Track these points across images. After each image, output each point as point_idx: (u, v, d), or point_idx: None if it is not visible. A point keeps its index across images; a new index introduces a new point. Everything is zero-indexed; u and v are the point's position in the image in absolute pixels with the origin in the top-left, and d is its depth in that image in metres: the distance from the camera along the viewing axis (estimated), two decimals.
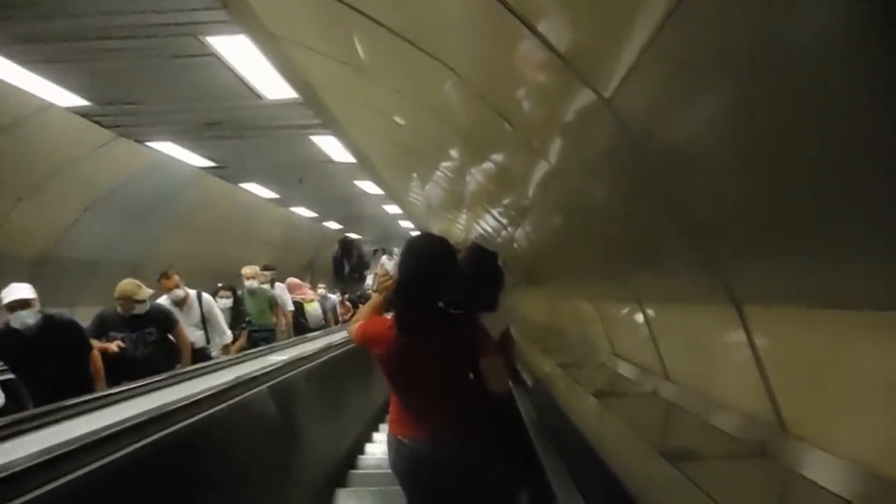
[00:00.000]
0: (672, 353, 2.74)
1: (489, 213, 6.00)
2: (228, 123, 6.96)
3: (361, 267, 20.17)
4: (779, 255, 1.53)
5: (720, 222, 1.74)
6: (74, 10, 4.10)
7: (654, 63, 1.43)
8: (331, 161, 8.83)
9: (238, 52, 4.74)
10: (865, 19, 0.91)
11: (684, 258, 2.11)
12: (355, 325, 2.56)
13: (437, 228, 11.86)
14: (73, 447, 1.97)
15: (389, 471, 2.56)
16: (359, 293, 14.08)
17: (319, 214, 15.87)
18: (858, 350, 1.43)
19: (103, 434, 2.12)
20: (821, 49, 1.02)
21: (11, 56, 4.72)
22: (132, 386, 3.36)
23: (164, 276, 5.56)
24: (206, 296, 5.83)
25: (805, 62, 1.07)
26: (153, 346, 4.66)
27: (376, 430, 5.96)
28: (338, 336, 6.52)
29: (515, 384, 3.10)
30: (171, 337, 4.89)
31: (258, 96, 5.83)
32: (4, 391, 4.30)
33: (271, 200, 12.51)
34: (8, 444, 2.20)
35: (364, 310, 2.68)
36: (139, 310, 4.62)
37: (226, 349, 5.87)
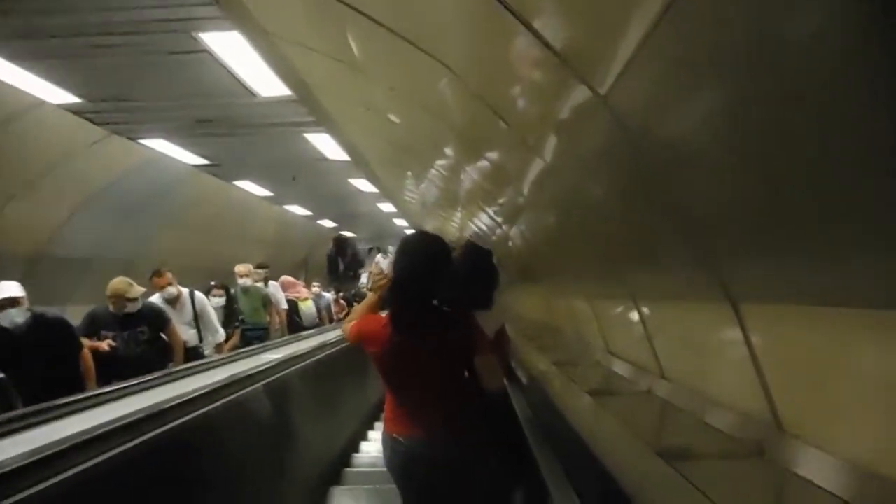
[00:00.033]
0: (668, 352, 2.73)
1: (484, 211, 5.99)
2: (222, 121, 6.93)
3: (356, 265, 20.11)
4: (775, 253, 1.53)
5: (716, 220, 1.73)
6: (66, 7, 4.06)
7: (651, 59, 1.42)
8: (325, 159, 8.81)
9: (231, 48, 4.71)
10: (865, 19, 0.90)
11: (680, 256, 2.10)
12: (350, 324, 2.55)
13: (431, 226, 11.86)
14: (64, 447, 1.95)
15: (384, 469, 2.55)
16: (353, 292, 14.04)
17: (314, 212, 15.83)
18: (856, 349, 1.43)
19: (95, 433, 2.10)
20: (817, 46, 1.02)
21: (3, 53, 4.67)
22: (124, 385, 3.33)
23: (157, 273, 5.51)
24: (198, 294, 5.79)
25: (801, 59, 1.07)
26: (145, 344, 4.63)
27: (371, 428, 5.95)
28: (332, 334, 6.50)
29: (510, 382, 3.09)
30: (163, 336, 4.86)
31: (252, 93, 5.79)
32: None
33: (265, 198, 12.48)
34: None
35: (359, 309, 2.67)
36: (131, 308, 4.58)
37: (219, 348, 5.84)
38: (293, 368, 4.30)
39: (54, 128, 6.47)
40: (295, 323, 8.16)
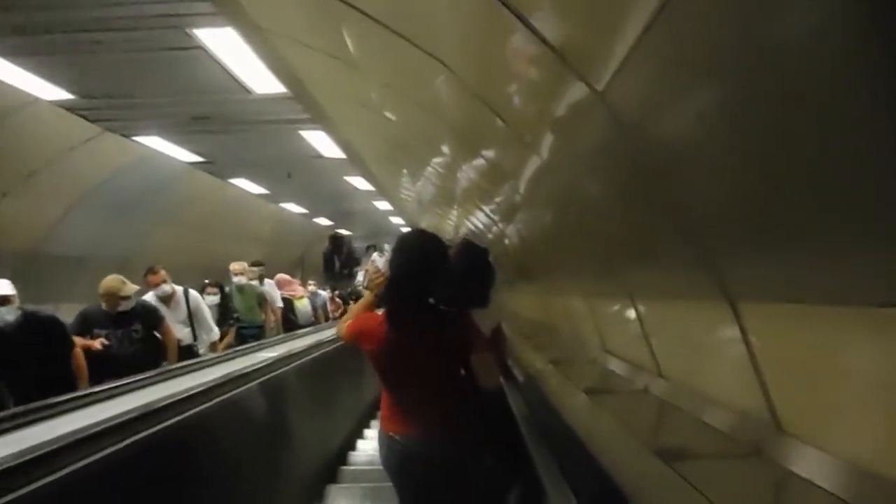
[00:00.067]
0: (665, 350, 2.72)
1: (480, 209, 5.98)
2: (216, 118, 6.90)
3: (352, 263, 20.06)
4: (773, 251, 1.52)
5: (714, 218, 1.72)
6: (59, 3, 4.04)
7: (648, 55, 1.41)
8: (320, 156, 8.78)
9: (225, 45, 4.68)
10: (865, 18, 0.89)
11: (678, 254, 2.09)
12: (345, 324, 2.54)
13: (427, 224, 11.85)
14: (56, 446, 1.93)
15: (381, 467, 2.54)
16: (349, 290, 14.02)
17: (309, 210, 15.81)
18: (854, 347, 1.42)
19: (87, 433, 2.08)
20: (817, 45, 1.01)
21: None
22: (117, 384, 3.31)
23: (151, 271, 5.48)
24: (192, 292, 5.76)
25: (800, 57, 1.06)
26: (139, 343, 4.60)
27: (367, 426, 5.94)
28: (328, 333, 6.49)
29: (506, 380, 3.08)
30: (156, 334, 4.83)
31: (246, 90, 5.77)
32: None
33: (260, 196, 12.45)
34: None
35: (355, 308, 2.66)
36: (124, 306, 4.55)
37: (213, 346, 5.82)
38: (288, 367, 4.29)
39: (48, 125, 6.43)
40: (290, 321, 8.15)
